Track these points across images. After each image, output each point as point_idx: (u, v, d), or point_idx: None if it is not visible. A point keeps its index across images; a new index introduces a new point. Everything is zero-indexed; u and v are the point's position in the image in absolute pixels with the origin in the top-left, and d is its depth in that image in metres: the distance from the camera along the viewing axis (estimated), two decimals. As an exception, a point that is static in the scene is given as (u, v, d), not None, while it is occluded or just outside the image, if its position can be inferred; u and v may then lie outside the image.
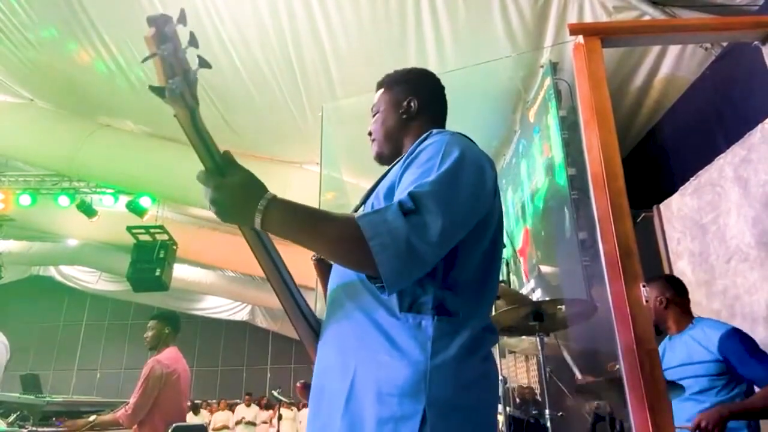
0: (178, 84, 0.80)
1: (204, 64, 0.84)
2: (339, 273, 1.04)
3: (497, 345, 3.19)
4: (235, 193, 0.85)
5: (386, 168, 1.16)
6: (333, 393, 0.92)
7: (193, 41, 0.83)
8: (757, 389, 1.90)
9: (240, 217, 0.86)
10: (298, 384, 1.07)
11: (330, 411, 0.91)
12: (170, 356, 2.96)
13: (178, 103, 0.82)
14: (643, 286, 1.47)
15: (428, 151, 0.97)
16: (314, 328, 1.08)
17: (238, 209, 0.86)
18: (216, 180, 0.85)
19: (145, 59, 0.80)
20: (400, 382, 0.84)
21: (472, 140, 1.06)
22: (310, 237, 0.87)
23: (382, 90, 1.23)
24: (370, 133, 1.23)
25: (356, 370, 0.89)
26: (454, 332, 0.90)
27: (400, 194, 0.89)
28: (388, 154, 1.18)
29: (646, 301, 1.47)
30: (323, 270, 1.15)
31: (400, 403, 0.83)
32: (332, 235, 0.86)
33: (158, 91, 0.80)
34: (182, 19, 0.82)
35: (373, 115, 1.23)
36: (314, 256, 1.17)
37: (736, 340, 1.93)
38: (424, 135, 1.04)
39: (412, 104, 1.18)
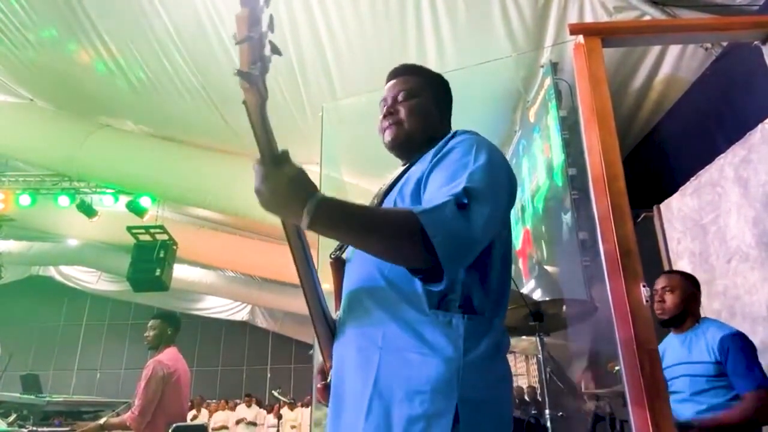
0: (260, 70, 0.76)
1: (276, 50, 0.77)
2: (357, 273, 1.03)
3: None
4: (284, 186, 0.81)
5: (392, 155, 1.16)
6: (354, 393, 0.91)
7: (271, 26, 0.76)
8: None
9: (284, 211, 0.84)
10: (318, 385, 1.06)
11: (352, 411, 0.90)
12: (170, 357, 2.96)
13: (253, 90, 0.77)
14: (644, 286, 1.47)
15: (459, 149, 0.98)
16: (332, 328, 1.07)
17: (283, 203, 0.83)
18: (267, 169, 0.82)
19: (239, 42, 0.75)
20: (432, 378, 0.84)
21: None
22: (365, 236, 0.87)
23: (418, 78, 1.17)
24: (390, 114, 1.13)
25: (380, 369, 0.88)
26: (483, 331, 0.91)
27: (453, 189, 0.88)
28: (413, 144, 1.12)
29: (647, 301, 1.47)
30: (340, 269, 1.12)
31: (432, 400, 0.83)
32: (391, 233, 0.86)
33: (246, 76, 0.75)
34: (267, 2, 0.76)
35: (404, 99, 1.13)
36: (333, 254, 1.15)
37: (734, 343, 1.93)
38: (451, 134, 1.05)
39: (447, 110, 1.20)
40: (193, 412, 9.54)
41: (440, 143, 1.03)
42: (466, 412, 0.82)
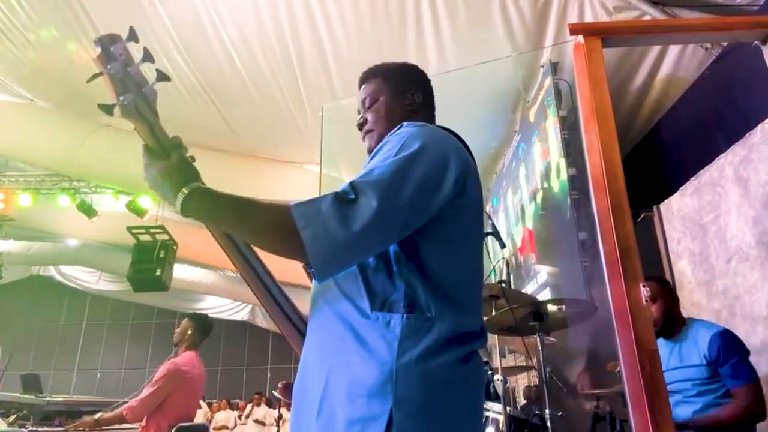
0: (131, 100, 0.84)
1: (162, 77, 0.88)
2: None
3: (497, 345, 3.19)
4: (163, 175, 0.88)
5: None
6: (311, 394, 0.91)
7: (147, 57, 0.87)
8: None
9: (164, 196, 0.89)
10: (279, 385, 1.07)
11: (308, 412, 0.90)
12: (187, 360, 2.95)
13: (134, 118, 0.86)
14: (643, 286, 1.47)
15: (390, 143, 0.95)
16: (299, 328, 1.07)
17: (163, 192, 0.88)
18: (148, 159, 0.90)
19: (90, 79, 0.84)
20: (368, 382, 0.83)
21: (453, 133, 1.04)
22: (237, 225, 0.87)
23: (377, 79, 1.17)
24: (362, 124, 1.16)
25: (330, 371, 0.89)
26: (424, 331, 0.87)
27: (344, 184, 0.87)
28: None
29: (646, 301, 1.47)
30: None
31: (368, 404, 0.82)
32: (263, 223, 0.85)
33: (106, 108, 0.84)
34: (132, 36, 0.85)
35: (368, 106, 1.15)
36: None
37: (721, 341, 1.95)
38: (396, 128, 1.02)
39: (416, 97, 1.15)
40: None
41: (385, 138, 1.01)
42: (400, 416, 0.81)
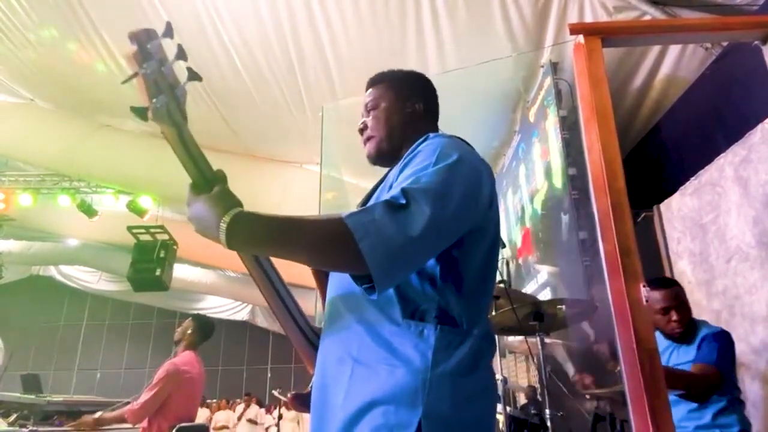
0: (164, 102, 0.78)
1: (193, 77, 0.81)
2: (337, 282, 1.01)
3: (497, 345, 3.20)
4: (203, 208, 0.83)
5: (384, 168, 1.12)
6: (332, 404, 0.90)
7: (181, 54, 0.80)
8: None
9: (207, 232, 0.83)
10: (289, 395, 1.06)
11: (331, 422, 0.89)
12: (186, 360, 2.96)
13: (165, 122, 0.80)
14: (644, 286, 1.47)
15: (425, 152, 0.94)
16: (311, 339, 1.06)
17: (204, 224, 0.83)
18: (189, 195, 0.85)
19: (127, 80, 0.77)
20: (397, 390, 0.82)
21: (470, 145, 1.04)
22: (288, 244, 0.82)
23: (382, 85, 1.17)
24: (363, 130, 1.15)
25: (351, 380, 0.87)
26: (457, 343, 0.87)
27: (394, 191, 0.86)
28: (387, 153, 1.11)
29: (647, 301, 1.47)
30: (322, 277, 1.12)
31: (396, 412, 0.81)
32: (317, 239, 0.81)
33: (140, 112, 0.77)
34: (168, 32, 0.79)
35: (369, 111, 1.15)
36: None
37: (710, 337, 1.98)
38: (422, 137, 1.01)
39: (417, 106, 1.15)
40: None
41: (412, 147, 1.00)
42: (429, 427, 0.79)
